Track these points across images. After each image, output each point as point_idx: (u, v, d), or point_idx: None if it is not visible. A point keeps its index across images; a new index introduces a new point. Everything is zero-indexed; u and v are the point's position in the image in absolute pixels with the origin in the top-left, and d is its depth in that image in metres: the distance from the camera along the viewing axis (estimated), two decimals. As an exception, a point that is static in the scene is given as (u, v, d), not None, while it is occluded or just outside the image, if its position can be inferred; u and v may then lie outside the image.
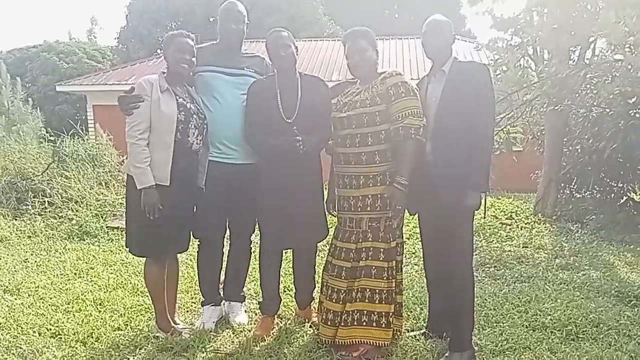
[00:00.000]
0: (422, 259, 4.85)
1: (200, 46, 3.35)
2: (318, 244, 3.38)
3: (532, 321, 3.34)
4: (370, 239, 2.90)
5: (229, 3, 3.27)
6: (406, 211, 3.03)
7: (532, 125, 7.66)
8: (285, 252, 3.45)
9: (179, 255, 3.26)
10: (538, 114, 6.36)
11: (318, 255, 3.50)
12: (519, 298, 3.77)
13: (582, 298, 3.82)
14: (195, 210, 3.18)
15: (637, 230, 6.42)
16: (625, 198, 7.77)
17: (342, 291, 2.92)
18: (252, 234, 3.42)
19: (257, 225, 3.34)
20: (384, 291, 2.88)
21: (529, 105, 6.06)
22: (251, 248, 3.47)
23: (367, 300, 2.87)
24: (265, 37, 3.13)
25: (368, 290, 2.87)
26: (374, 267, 2.88)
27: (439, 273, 3.07)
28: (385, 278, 2.88)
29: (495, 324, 3.31)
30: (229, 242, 3.42)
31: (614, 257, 5.11)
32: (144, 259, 3.09)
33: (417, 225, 3.29)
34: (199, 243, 3.33)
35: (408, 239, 5.34)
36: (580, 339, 3.11)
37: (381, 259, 2.89)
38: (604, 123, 6.01)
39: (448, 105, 2.82)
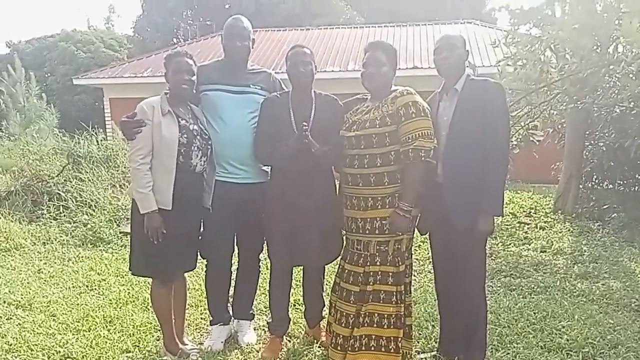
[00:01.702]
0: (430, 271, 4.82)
1: (205, 64, 3.28)
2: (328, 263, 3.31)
3: (548, 341, 3.25)
4: (378, 263, 2.83)
5: (233, 19, 3.19)
6: (417, 231, 2.96)
7: (552, 118, 7.46)
8: (296, 268, 3.39)
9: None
10: (559, 112, 6.17)
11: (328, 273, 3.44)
12: (534, 314, 3.67)
13: (601, 313, 3.71)
14: (202, 230, 3.15)
15: (661, 231, 6.24)
16: (648, 192, 7.58)
17: (351, 316, 2.87)
18: (260, 252, 3.38)
19: (265, 244, 3.29)
20: (393, 316, 2.82)
21: (549, 104, 5.88)
22: (259, 266, 3.43)
23: (375, 325, 2.82)
24: (287, 53, 3.10)
25: (376, 315, 2.82)
26: (382, 292, 2.82)
27: (450, 295, 2.99)
28: (394, 302, 2.82)
29: (509, 345, 3.23)
30: (238, 260, 3.38)
31: (636, 264, 4.96)
32: (137, 275, 3.10)
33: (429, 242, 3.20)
34: (206, 263, 3.29)
35: (423, 242, 5.26)
36: (597, 363, 3.02)
37: (390, 283, 2.83)
38: (628, 121, 5.81)
39: (461, 125, 2.73)
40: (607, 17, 4.30)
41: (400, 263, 2.85)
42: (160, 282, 3.01)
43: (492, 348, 3.14)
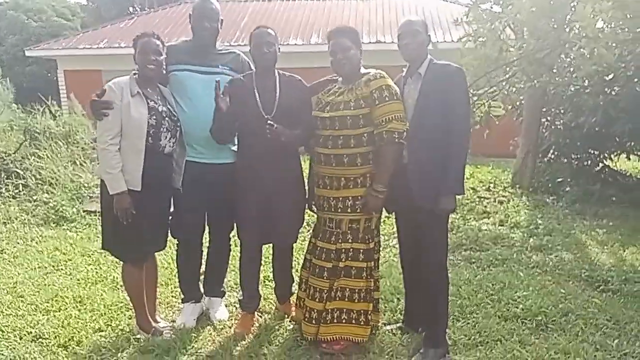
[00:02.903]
0: (395, 246, 4.97)
1: (173, 44, 3.26)
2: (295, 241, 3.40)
3: (505, 311, 3.44)
4: (350, 240, 2.93)
5: (202, 0, 3.16)
6: (384, 209, 3.06)
7: (511, 96, 7.68)
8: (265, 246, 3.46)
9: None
10: (517, 90, 6.37)
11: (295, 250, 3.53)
12: (492, 285, 3.87)
13: (553, 284, 3.95)
14: (172, 210, 3.17)
15: (610, 203, 6.61)
16: (601, 165, 7.97)
17: (325, 291, 2.96)
18: (231, 231, 3.43)
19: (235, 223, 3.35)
20: (363, 290, 2.94)
21: (508, 82, 6.06)
22: (230, 245, 3.49)
23: (346, 299, 2.93)
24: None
25: (348, 289, 2.93)
26: (353, 268, 2.93)
27: (414, 272, 3.13)
28: (364, 278, 2.94)
29: (468, 315, 3.41)
30: (209, 239, 3.42)
31: (586, 235, 5.26)
32: (114, 256, 3.12)
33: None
34: (177, 242, 3.33)
35: (387, 218, 5.40)
36: (549, 330, 3.23)
37: (360, 259, 2.93)
38: (583, 99, 6.07)
39: (425, 108, 2.81)
40: (562, 0, 4.46)
41: (370, 240, 2.96)
42: (132, 262, 3.04)
43: (453, 318, 3.31)
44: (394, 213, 3.20)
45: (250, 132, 3.04)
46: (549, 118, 7.98)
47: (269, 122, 2.87)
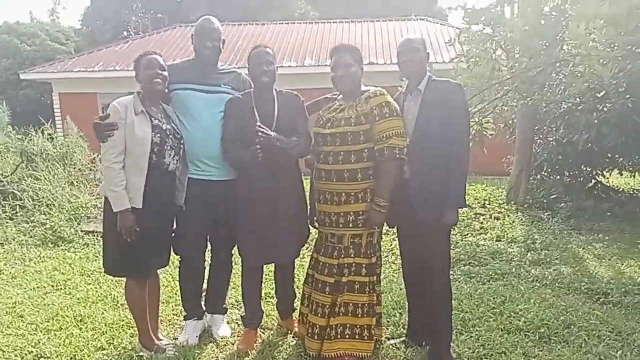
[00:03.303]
0: (399, 257, 4.99)
1: (175, 63, 3.31)
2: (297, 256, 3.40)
3: (507, 324, 3.46)
4: (352, 255, 2.94)
5: (203, 20, 3.23)
6: (385, 224, 3.09)
7: (502, 114, 7.80)
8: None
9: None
10: (510, 108, 6.47)
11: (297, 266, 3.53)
12: (493, 299, 3.89)
13: (554, 297, 3.98)
14: (175, 227, 3.18)
15: (605, 218, 6.67)
16: (593, 182, 8.07)
17: (327, 306, 2.97)
18: (232, 248, 3.43)
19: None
20: (366, 305, 2.95)
21: (501, 100, 6.16)
22: (232, 261, 3.49)
23: (350, 315, 2.93)
24: (249, 55, 3.14)
25: (351, 304, 2.93)
26: (356, 283, 2.94)
27: (417, 286, 3.15)
28: (367, 292, 2.95)
29: (471, 329, 3.42)
30: (210, 256, 3.42)
31: (584, 249, 5.30)
32: (111, 275, 3.13)
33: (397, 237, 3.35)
34: (180, 259, 3.33)
35: (385, 234, 5.42)
36: (552, 342, 3.24)
37: (363, 273, 2.95)
38: (575, 116, 6.17)
39: (425, 123, 2.87)
40: (554, 19, 4.56)
41: (372, 255, 2.98)
42: (135, 280, 3.03)
43: (456, 332, 3.31)
44: (397, 228, 3.22)
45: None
46: (541, 136, 8.10)
47: (259, 125, 2.90)
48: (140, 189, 2.87)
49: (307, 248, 3.99)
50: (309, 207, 3.29)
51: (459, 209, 2.91)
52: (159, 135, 2.92)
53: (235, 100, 3.14)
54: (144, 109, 2.92)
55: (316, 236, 3.21)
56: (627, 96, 5.26)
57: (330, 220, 2.99)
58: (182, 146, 3.07)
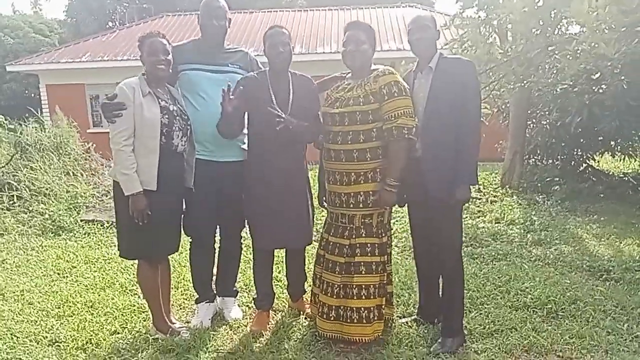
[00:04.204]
0: (401, 239, 5.04)
1: (182, 43, 3.28)
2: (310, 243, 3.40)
3: (515, 301, 3.52)
4: (363, 235, 2.96)
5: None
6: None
7: (497, 99, 7.87)
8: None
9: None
10: (507, 91, 6.52)
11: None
12: (499, 278, 3.95)
13: (557, 274, 4.04)
14: (185, 209, 3.18)
15: (599, 200, 6.78)
16: (585, 165, 8.18)
17: (337, 285, 2.98)
18: (242, 230, 3.44)
19: (246, 222, 3.36)
20: (377, 285, 2.96)
21: (498, 83, 6.20)
22: (241, 243, 3.49)
23: (363, 297, 2.94)
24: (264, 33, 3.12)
25: (364, 287, 2.94)
26: (367, 263, 2.95)
27: (429, 263, 3.18)
28: (378, 272, 2.96)
29: (480, 306, 3.47)
30: (220, 238, 3.43)
31: (582, 230, 5.39)
32: (126, 259, 3.14)
33: (407, 215, 3.37)
34: (190, 242, 3.33)
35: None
36: (560, 317, 3.30)
37: (375, 253, 2.96)
38: (569, 99, 6.23)
39: (437, 101, 2.88)
40: (555, 1, 4.60)
41: (383, 235, 3.00)
42: (148, 263, 3.03)
43: (465, 310, 3.34)
44: (406, 206, 3.24)
45: (263, 130, 3.05)
46: (534, 120, 8.18)
47: (273, 107, 2.90)
48: (152, 171, 2.86)
49: (317, 229, 4.01)
50: (318, 188, 3.31)
51: (471, 186, 2.93)
52: (167, 116, 2.90)
53: (250, 78, 3.12)
54: (151, 91, 2.90)
55: (325, 216, 3.22)
56: (622, 78, 5.32)
57: (340, 200, 3.00)
58: (189, 127, 3.05)
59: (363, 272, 2.94)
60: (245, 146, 3.25)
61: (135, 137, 2.85)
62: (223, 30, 3.22)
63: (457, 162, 2.85)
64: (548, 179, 7.38)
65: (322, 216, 3.64)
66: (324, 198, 3.26)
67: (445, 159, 2.87)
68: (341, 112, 2.92)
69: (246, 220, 3.33)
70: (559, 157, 8.14)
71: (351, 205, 2.95)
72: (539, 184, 7.42)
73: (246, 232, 3.42)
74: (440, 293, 3.14)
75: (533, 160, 8.37)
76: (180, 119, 2.99)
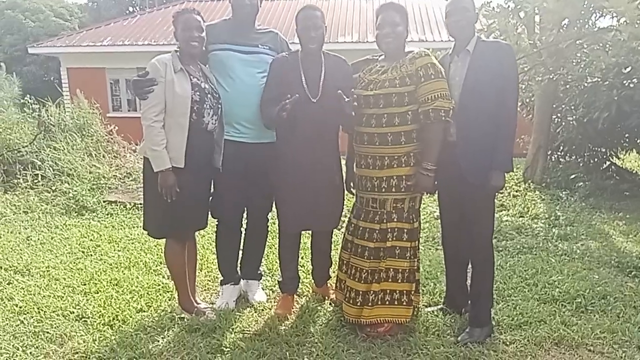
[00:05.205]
0: (424, 229, 4.98)
1: (213, 23, 3.24)
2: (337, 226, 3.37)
3: (542, 294, 3.46)
4: (395, 220, 2.91)
5: None
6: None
7: (522, 92, 7.75)
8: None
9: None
10: (535, 83, 6.40)
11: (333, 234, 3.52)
12: (525, 270, 3.89)
13: (585, 269, 3.97)
14: (213, 190, 3.16)
15: (624, 198, 6.66)
16: (608, 163, 8.04)
17: (365, 270, 2.94)
18: (269, 213, 3.42)
19: (273, 204, 3.33)
20: (407, 270, 2.92)
21: (527, 74, 6.10)
22: (267, 226, 3.47)
23: (390, 280, 2.91)
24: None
25: (392, 270, 2.91)
26: (398, 248, 2.91)
27: (458, 251, 3.13)
28: (408, 258, 2.92)
29: (507, 298, 3.42)
30: (246, 220, 3.41)
31: (608, 226, 5.30)
32: (153, 237, 3.11)
33: (431, 203, 3.33)
34: (217, 223, 3.31)
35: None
36: (589, 312, 3.24)
37: (405, 239, 2.92)
38: (597, 93, 6.11)
39: (473, 85, 2.81)
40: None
41: (414, 220, 2.95)
42: (176, 241, 3.02)
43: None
44: (437, 192, 3.18)
45: (294, 112, 3.01)
46: (559, 115, 8.04)
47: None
48: (182, 148, 2.84)
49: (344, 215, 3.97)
50: (345, 173, 3.27)
51: (506, 173, 2.87)
52: (198, 93, 2.87)
53: (281, 60, 3.08)
54: (183, 67, 2.88)
55: (353, 201, 3.18)
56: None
57: (372, 184, 2.95)
58: (219, 106, 3.02)
59: (393, 256, 2.89)
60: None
61: (166, 113, 2.82)
62: (255, 10, 3.18)
63: (493, 148, 2.79)
64: (573, 176, 7.26)
65: (348, 205, 3.60)
66: (352, 183, 3.22)
67: (481, 144, 2.81)
68: (376, 94, 2.86)
69: (274, 203, 3.30)
70: (582, 153, 8.00)
71: (383, 190, 2.91)
72: (562, 180, 7.30)
73: (272, 216, 3.39)
74: (469, 282, 3.09)
75: (556, 155, 8.25)
76: (211, 96, 2.96)
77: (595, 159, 8.08)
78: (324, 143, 3.05)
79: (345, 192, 3.27)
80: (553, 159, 8.17)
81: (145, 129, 2.83)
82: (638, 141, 7.64)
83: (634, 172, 8.55)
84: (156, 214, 2.94)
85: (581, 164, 7.97)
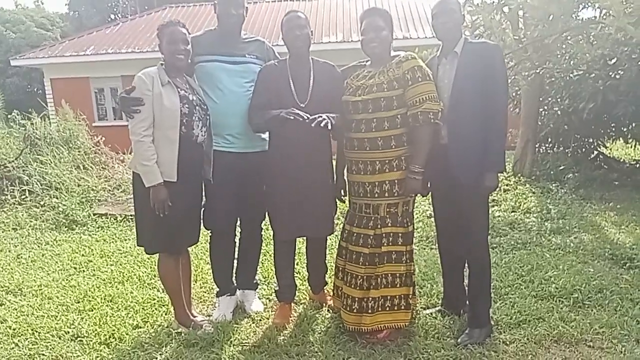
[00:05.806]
0: (417, 229, 4.98)
1: (199, 34, 3.21)
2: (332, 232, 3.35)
3: (539, 291, 3.47)
4: (389, 225, 2.89)
5: None
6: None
7: (509, 86, 7.78)
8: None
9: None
10: (522, 78, 6.43)
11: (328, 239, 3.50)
12: (521, 267, 3.90)
13: (580, 263, 3.99)
14: (205, 202, 3.13)
15: (614, 187, 6.71)
16: (596, 153, 8.10)
17: (360, 277, 2.93)
18: (262, 221, 3.39)
19: (267, 214, 3.31)
20: (404, 274, 2.92)
21: (513, 69, 6.11)
22: (261, 235, 3.45)
23: (390, 286, 2.90)
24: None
25: (390, 275, 2.89)
26: (394, 252, 2.90)
27: (454, 252, 3.13)
28: (404, 262, 2.91)
29: (504, 296, 3.43)
30: (240, 230, 3.38)
31: (600, 217, 5.33)
32: (147, 253, 3.06)
33: (425, 204, 3.32)
34: (210, 234, 3.28)
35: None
36: (587, 306, 3.25)
37: (400, 243, 2.90)
38: (585, 83, 6.14)
39: (463, 86, 2.81)
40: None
41: (408, 224, 2.94)
42: (169, 256, 2.99)
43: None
44: (431, 195, 3.17)
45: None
46: (546, 107, 8.09)
47: (290, 112, 2.82)
48: (173, 162, 2.80)
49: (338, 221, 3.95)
50: (336, 180, 3.25)
51: (499, 173, 2.86)
52: (187, 106, 2.84)
53: (270, 68, 3.06)
54: (170, 80, 2.84)
55: (347, 208, 3.16)
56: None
57: (364, 190, 2.93)
58: (208, 118, 2.99)
59: (389, 262, 2.88)
60: (266, 136, 3.19)
61: (155, 127, 2.79)
62: (241, 20, 3.16)
63: (484, 149, 2.78)
64: (561, 167, 7.30)
65: (342, 208, 3.58)
66: (342, 191, 3.20)
67: (472, 145, 2.80)
68: (364, 100, 2.85)
69: (267, 212, 3.27)
70: (570, 144, 8.06)
71: (376, 195, 2.89)
72: (552, 172, 7.34)
73: (265, 224, 3.37)
74: (466, 283, 3.09)
75: (544, 148, 8.30)
76: (200, 108, 2.93)
77: (583, 149, 8.14)
78: (314, 149, 3.03)
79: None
80: (541, 152, 8.22)
81: (135, 144, 2.79)
82: (624, 130, 7.73)
83: (621, 160, 8.63)
84: (150, 230, 2.90)
85: (569, 155, 8.02)
